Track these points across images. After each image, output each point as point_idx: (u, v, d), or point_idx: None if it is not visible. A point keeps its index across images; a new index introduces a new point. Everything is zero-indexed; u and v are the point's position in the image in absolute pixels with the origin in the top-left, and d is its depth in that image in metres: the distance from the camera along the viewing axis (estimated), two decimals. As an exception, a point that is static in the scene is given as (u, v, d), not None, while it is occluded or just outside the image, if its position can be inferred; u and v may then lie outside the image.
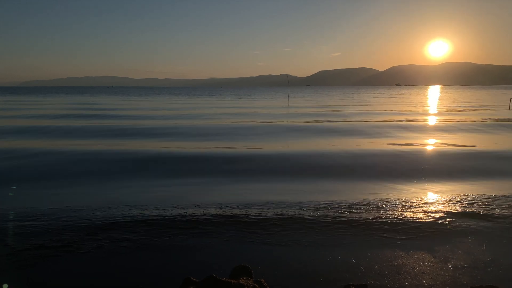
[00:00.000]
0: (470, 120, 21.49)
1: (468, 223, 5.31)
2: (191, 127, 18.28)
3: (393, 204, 6.14)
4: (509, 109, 30.37)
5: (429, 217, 5.53)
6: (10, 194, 6.85)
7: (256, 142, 13.36)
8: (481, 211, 5.78)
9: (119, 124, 19.72)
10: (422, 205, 6.11)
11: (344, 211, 5.81)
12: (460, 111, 30.48)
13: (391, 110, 31.09)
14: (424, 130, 17.65)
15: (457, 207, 5.97)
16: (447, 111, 30.35)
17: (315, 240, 4.77)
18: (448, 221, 5.38)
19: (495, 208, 5.91)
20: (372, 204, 6.15)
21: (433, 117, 24.29)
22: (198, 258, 4.35)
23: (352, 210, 5.83)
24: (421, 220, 5.41)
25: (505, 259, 4.28)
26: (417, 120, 21.91)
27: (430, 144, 13.06)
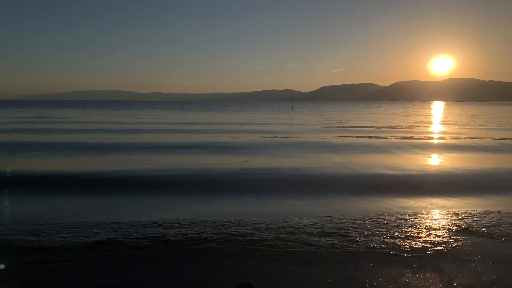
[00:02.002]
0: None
1: (474, 241, 5.27)
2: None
3: (398, 221, 6.10)
4: None
5: (435, 235, 5.49)
6: (11, 208, 6.87)
7: (265, 156, 13.35)
8: (487, 229, 5.74)
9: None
10: (427, 222, 6.07)
11: (349, 227, 5.78)
12: None
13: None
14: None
15: (462, 224, 5.93)
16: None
17: (320, 257, 4.74)
18: (454, 239, 5.34)
19: (501, 225, 5.87)
20: (377, 220, 6.12)
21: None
22: (201, 274, 4.33)
23: (357, 227, 5.80)
24: (427, 238, 5.37)
25: (511, 278, 4.24)
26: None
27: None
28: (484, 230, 5.71)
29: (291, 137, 20.26)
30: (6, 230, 5.57)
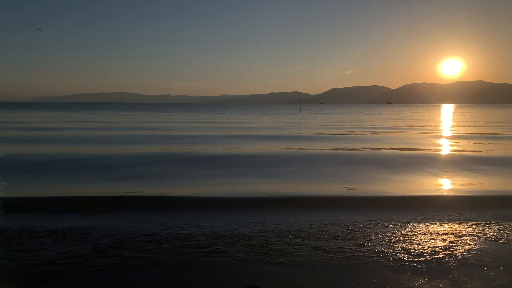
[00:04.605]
0: None
1: (484, 245, 5.21)
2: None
3: (407, 223, 6.05)
4: None
5: (444, 239, 5.43)
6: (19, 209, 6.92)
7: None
8: (498, 233, 5.67)
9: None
10: (436, 226, 6.01)
11: (356, 230, 5.74)
12: None
13: None
14: None
15: (473, 228, 5.86)
16: None
17: (327, 261, 4.71)
18: (463, 243, 5.28)
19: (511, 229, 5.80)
20: (385, 222, 6.08)
21: None
22: (209, 277, 4.32)
23: (364, 229, 5.77)
24: (435, 242, 5.31)
25: (523, 284, 4.17)
26: None
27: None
28: (495, 234, 5.64)
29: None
30: (14, 230, 5.61)
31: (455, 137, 22.15)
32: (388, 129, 28.21)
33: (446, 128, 31.03)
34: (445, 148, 16.93)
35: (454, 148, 16.67)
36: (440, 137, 22.26)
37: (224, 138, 20.03)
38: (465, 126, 33.50)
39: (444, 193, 8.35)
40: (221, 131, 26.37)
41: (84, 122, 36.10)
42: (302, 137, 22.43)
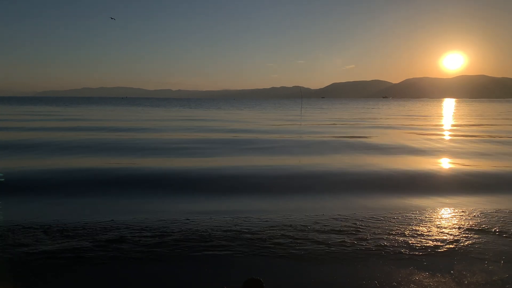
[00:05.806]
0: None
1: (485, 240, 5.21)
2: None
3: (408, 219, 6.05)
4: None
5: (445, 233, 5.43)
6: (20, 206, 6.92)
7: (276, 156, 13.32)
8: (498, 227, 5.66)
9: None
10: (437, 221, 6.01)
11: (358, 225, 5.74)
12: None
13: None
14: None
15: (473, 223, 5.86)
16: None
17: (328, 255, 4.71)
18: (465, 237, 5.28)
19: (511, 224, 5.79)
20: (386, 218, 6.07)
21: None
22: (210, 271, 4.33)
23: (366, 224, 5.76)
24: (437, 236, 5.31)
25: (524, 277, 4.17)
26: None
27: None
28: (496, 228, 5.63)
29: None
30: (15, 227, 5.62)
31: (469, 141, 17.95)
32: (392, 129, 24.92)
33: (454, 128, 26.26)
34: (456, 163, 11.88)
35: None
36: (449, 141, 18.28)
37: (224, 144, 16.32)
38: (476, 125, 28.96)
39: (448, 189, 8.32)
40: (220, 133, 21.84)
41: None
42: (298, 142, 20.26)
